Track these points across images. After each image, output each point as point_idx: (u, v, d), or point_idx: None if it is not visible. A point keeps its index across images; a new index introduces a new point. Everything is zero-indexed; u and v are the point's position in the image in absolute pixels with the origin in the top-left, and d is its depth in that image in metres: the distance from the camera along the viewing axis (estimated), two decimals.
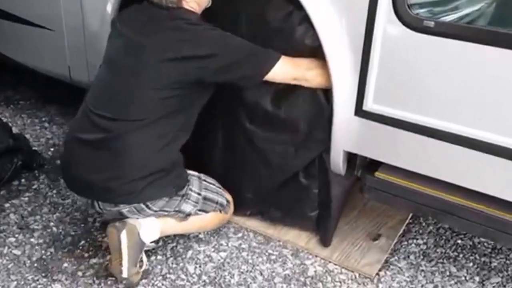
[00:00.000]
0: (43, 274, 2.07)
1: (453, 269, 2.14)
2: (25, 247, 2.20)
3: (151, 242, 2.04)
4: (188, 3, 1.95)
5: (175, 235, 2.21)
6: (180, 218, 2.05)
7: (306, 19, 1.87)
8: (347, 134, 1.94)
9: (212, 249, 2.21)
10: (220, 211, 2.16)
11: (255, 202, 2.30)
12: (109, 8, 2.29)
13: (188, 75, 1.88)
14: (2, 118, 2.85)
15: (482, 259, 2.20)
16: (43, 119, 3.18)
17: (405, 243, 2.27)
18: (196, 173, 2.13)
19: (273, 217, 2.31)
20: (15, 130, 2.89)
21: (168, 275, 2.08)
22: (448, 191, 1.85)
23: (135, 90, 1.89)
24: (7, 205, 2.44)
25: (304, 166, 2.13)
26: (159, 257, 2.16)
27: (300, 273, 2.10)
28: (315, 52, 1.91)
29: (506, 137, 1.65)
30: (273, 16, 1.95)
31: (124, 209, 1.95)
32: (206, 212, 2.10)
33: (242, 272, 2.10)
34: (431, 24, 1.66)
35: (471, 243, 2.28)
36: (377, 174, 1.99)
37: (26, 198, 2.49)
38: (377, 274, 2.10)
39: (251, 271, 2.11)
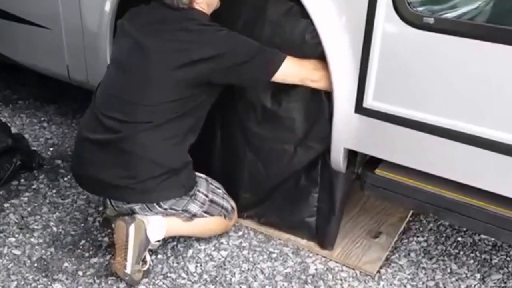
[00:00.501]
0: (44, 274, 2.07)
1: (454, 266, 2.14)
2: (25, 247, 2.20)
3: (156, 242, 2.04)
4: (199, 4, 1.94)
5: None
6: (185, 218, 2.06)
7: (306, 16, 1.87)
8: (347, 132, 1.94)
9: (213, 248, 2.20)
10: (225, 217, 2.17)
11: (253, 203, 2.29)
12: (107, 7, 2.28)
13: (197, 78, 1.88)
14: (1, 118, 2.85)
15: (483, 256, 2.20)
16: (42, 118, 3.17)
17: (406, 240, 2.27)
18: (203, 175, 2.13)
19: (270, 221, 2.28)
20: (14, 130, 2.89)
21: (169, 274, 2.08)
22: (449, 188, 1.85)
23: (143, 92, 1.90)
24: (6, 205, 2.43)
25: (304, 166, 2.12)
26: (159, 256, 2.15)
27: (301, 271, 2.10)
28: (316, 49, 1.90)
29: (507, 133, 1.65)
30: (273, 12, 1.95)
31: (136, 206, 1.98)
32: (211, 215, 2.11)
33: (243, 271, 2.10)
34: (431, 20, 1.66)
35: (471, 240, 2.28)
36: (377, 171, 1.99)
37: (26, 198, 2.48)
38: (378, 271, 2.10)
39: (252, 270, 2.11)
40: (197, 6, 1.94)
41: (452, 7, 1.72)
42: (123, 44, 2.00)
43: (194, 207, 2.05)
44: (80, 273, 2.08)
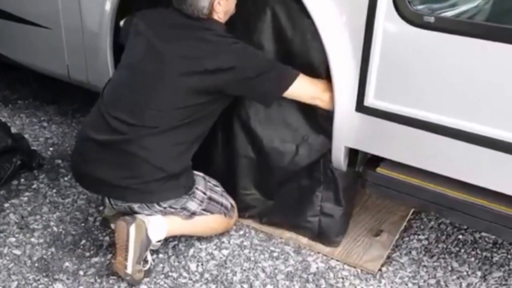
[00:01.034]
0: (44, 274, 2.07)
1: (455, 264, 2.14)
2: (25, 247, 2.19)
3: (157, 242, 2.04)
4: (218, 14, 1.94)
5: None
6: (185, 216, 2.06)
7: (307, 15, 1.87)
8: (348, 130, 1.94)
9: (214, 247, 2.20)
10: (225, 215, 2.17)
11: (254, 203, 2.29)
12: (108, 6, 2.28)
13: (208, 88, 1.89)
14: (1, 118, 2.84)
15: (484, 253, 2.20)
16: (42, 118, 3.17)
17: (407, 238, 2.27)
18: (200, 174, 2.13)
19: (272, 221, 2.28)
20: (14, 129, 2.89)
21: (170, 273, 2.08)
22: (451, 187, 1.85)
23: (152, 96, 1.90)
24: (6, 205, 2.43)
25: (306, 166, 2.12)
26: (160, 255, 2.15)
27: (303, 270, 2.10)
28: (317, 50, 1.90)
29: (508, 131, 1.65)
30: (273, 12, 1.95)
31: (135, 205, 1.98)
32: (211, 213, 2.11)
33: (244, 270, 2.10)
34: (431, 19, 1.66)
35: (472, 238, 2.28)
36: (378, 170, 1.99)
37: (26, 198, 2.48)
38: (380, 270, 2.10)
39: (253, 269, 2.11)
40: (215, 16, 1.95)
41: (452, 5, 1.73)
42: (137, 46, 1.99)
43: (192, 205, 2.05)
44: (81, 272, 2.08)
